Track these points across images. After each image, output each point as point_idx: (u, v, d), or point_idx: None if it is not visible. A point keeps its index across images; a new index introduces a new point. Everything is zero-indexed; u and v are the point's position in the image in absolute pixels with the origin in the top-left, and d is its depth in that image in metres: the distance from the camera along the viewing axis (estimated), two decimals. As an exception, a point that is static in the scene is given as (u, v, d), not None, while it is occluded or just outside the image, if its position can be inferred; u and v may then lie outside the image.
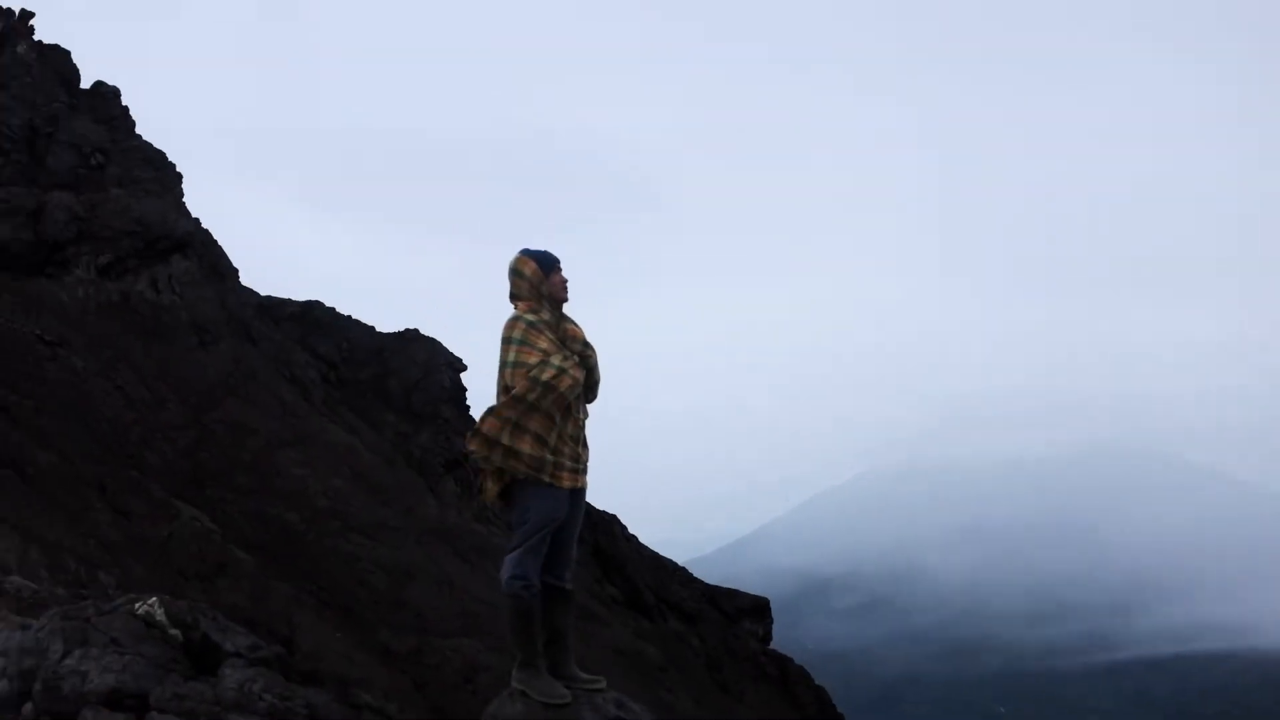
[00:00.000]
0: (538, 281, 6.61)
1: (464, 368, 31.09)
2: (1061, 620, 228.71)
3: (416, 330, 31.49)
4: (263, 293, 30.97)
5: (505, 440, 6.30)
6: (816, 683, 29.26)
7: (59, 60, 30.01)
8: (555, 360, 6.35)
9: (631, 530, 30.62)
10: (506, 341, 6.46)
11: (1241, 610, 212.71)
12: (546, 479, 6.34)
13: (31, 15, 29.95)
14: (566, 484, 6.44)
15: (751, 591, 32.58)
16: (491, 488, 6.51)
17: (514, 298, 6.68)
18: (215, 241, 28.88)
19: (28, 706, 5.56)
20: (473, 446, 6.40)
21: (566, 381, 6.35)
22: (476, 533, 25.52)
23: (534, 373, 6.30)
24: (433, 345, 30.99)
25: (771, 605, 31.95)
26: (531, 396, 6.27)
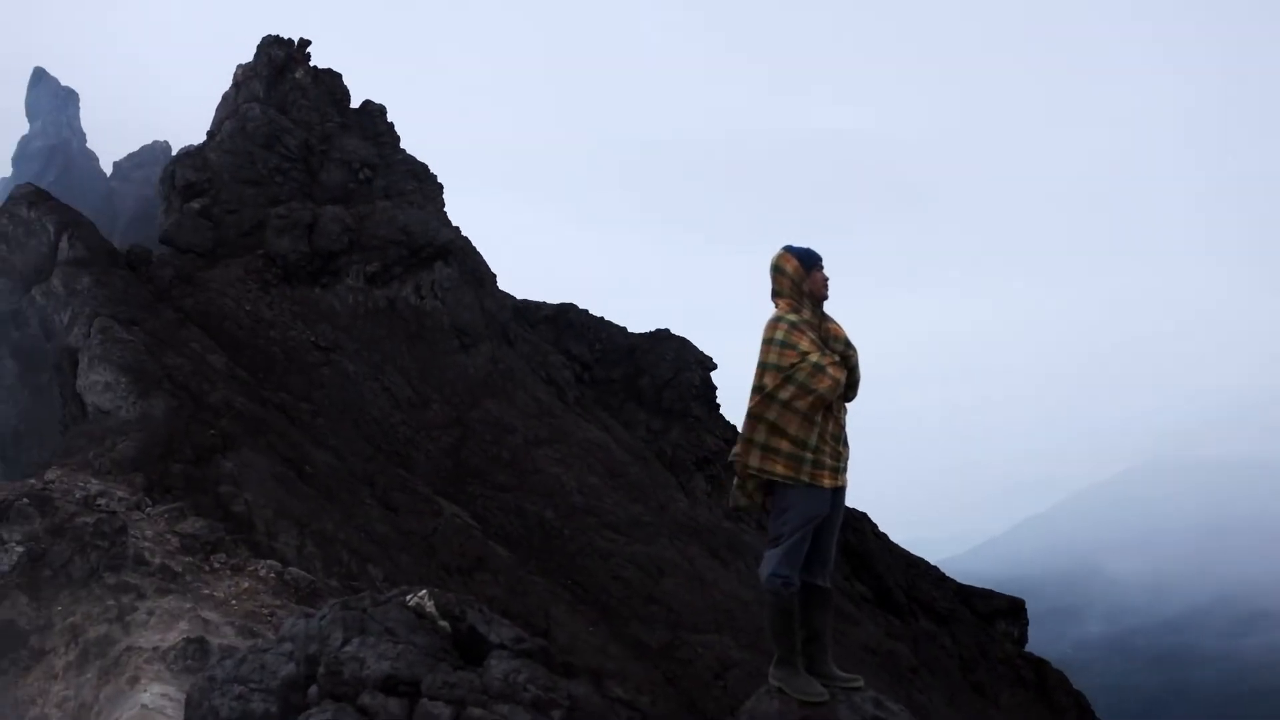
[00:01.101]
0: (799, 279, 6.55)
1: (714, 366, 31.28)
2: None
3: (668, 330, 31.88)
4: (519, 297, 31.94)
5: (761, 440, 6.29)
6: (1075, 688, 28.24)
7: (332, 82, 31.76)
8: (814, 358, 6.28)
9: (882, 529, 30.25)
10: (768, 342, 6.40)
11: None
12: (806, 479, 6.30)
13: (309, 43, 31.76)
14: (827, 483, 6.38)
15: (1005, 591, 31.71)
16: (750, 491, 6.51)
17: (775, 295, 6.61)
18: (474, 249, 29.93)
19: (313, 689, 5.91)
20: (742, 457, 6.41)
21: (826, 382, 6.28)
22: (727, 530, 25.64)
23: (792, 373, 6.26)
24: (683, 344, 31.30)
25: (1027, 606, 31.04)
26: (785, 396, 6.23)
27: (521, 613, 18.95)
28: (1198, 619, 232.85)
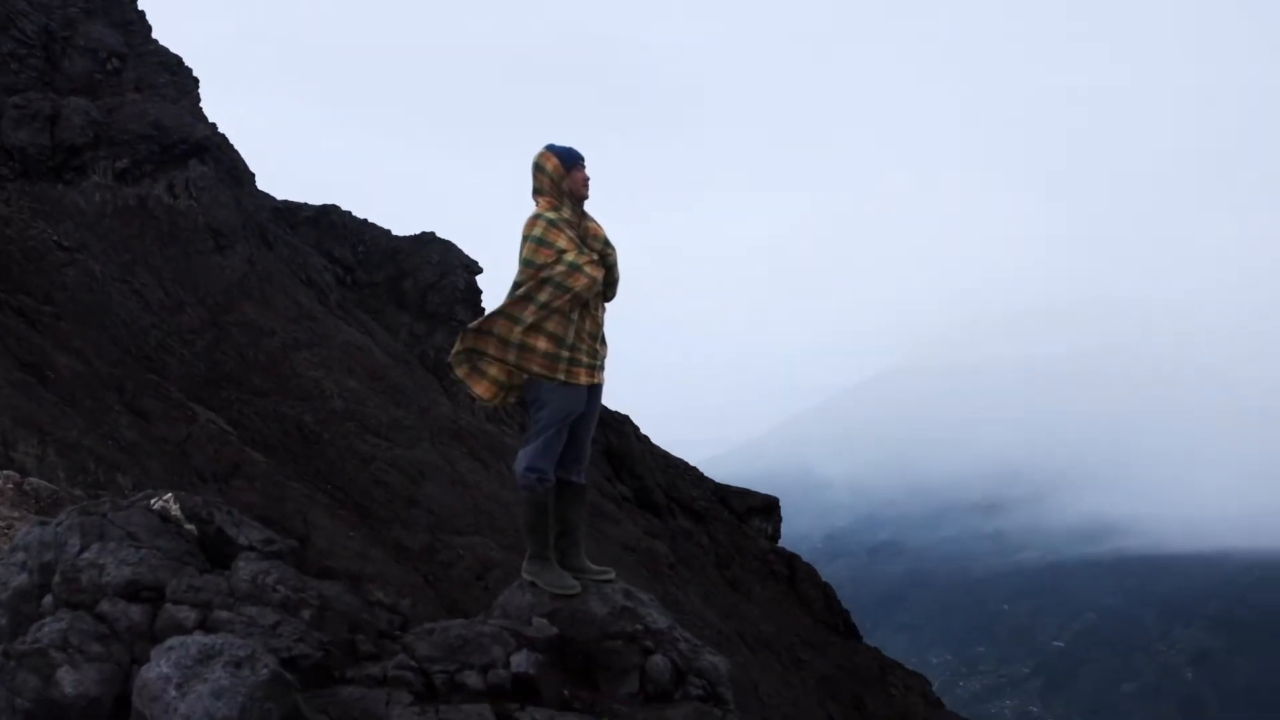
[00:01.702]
0: (559, 177, 6.57)
1: (479, 270, 31.04)
2: (1058, 513, 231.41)
3: (433, 233, 31.43)
4: (280, 198, 30.91)
5: (518, 339, 6.32)
6: (823, 580, 29.63)
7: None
8: (570, 258, 6.33)
9: (645, 431, 30.85)
10: (525, 239, 6.42)
11: (1243, 514, 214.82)
12: (562, 376, 6.37)
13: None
14: (584, 380, 6.48)
15: (760, 490, 32.90)
16: (489, 387, 6.54)
17: (536, 193, 6.63)
18: (232, 146, 28.74)
19: (47, 599, 5.69)
20: (484, 346, 6.42)
21: (583, 280, 6.34)
22: (489, 433, 25.70)
23: (548, 271, 6.30)
24: (448, 248, 30.93)
25: (781, 504, 32.32)
26: (543, 295, 6.28)
27: (280, 518, 18.62)
28: (942, 515, 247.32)
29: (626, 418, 29.46)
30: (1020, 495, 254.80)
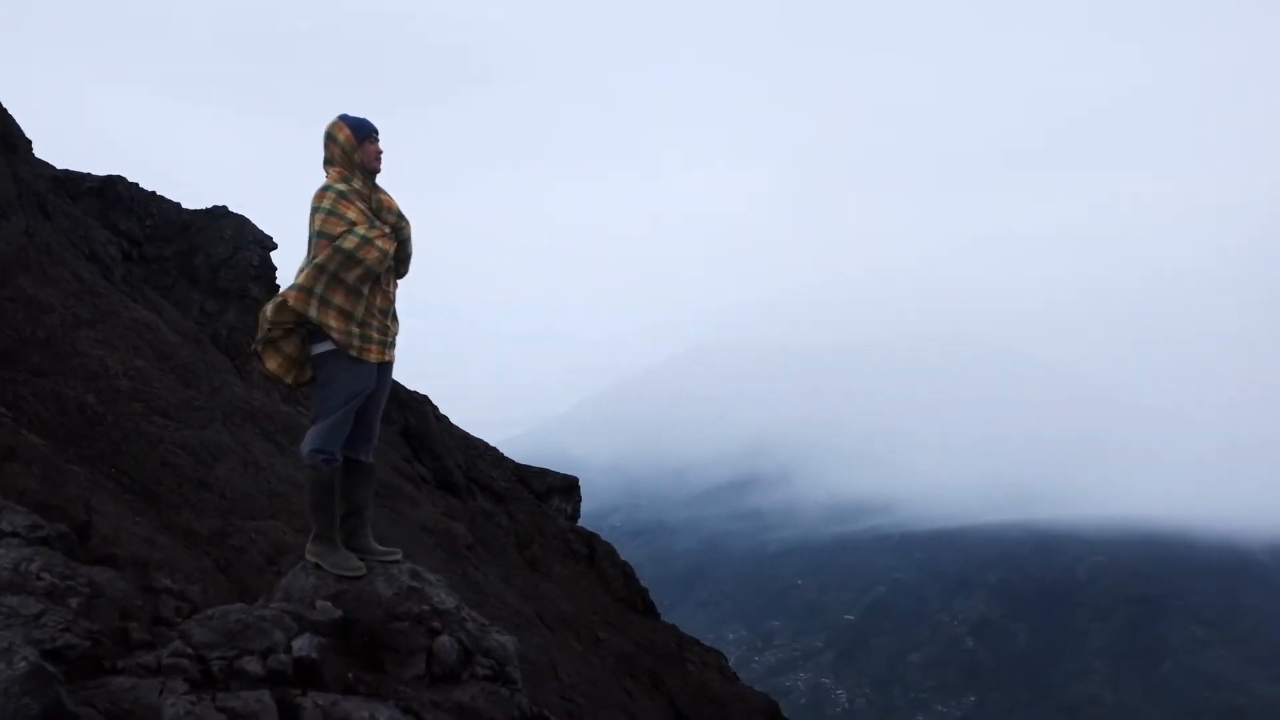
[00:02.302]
0: (351, 149, 6.47)
1: (274, 246, 30.18)
2: (851, 497, 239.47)
3: (225, 207, 30.37)
4: (60, 166, 29.42)
5: (312, 314, 6.19)
6: (622, 559, 29.90)
7: None
8: (360, 230, 6.23)
9: (444, 411, 30.56)
10: (315, 211, 6.31)
11: (1019, 491, 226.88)
12: (354, 353, 6.27)
13: None
14: (374, 357, 6.39)
15: (562, 471, 32.97)
16: (283, 363, 6.40)
17: (327, 164, 6.52)
18: (6, 111, 27.21)
19: None
20: (282, 319, 6.27)
21: (374, 254, 6.26)
22: (284, 414, 25.05)
23: (338, 243, 6.18)
24: (241, 222, 29.95)
25: (580, 484, 32.46)
26: (332, 267, 6.16)
27: (59, 504, 17.77)
28: (742, 496, 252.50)
29: (425, 398, 29.15)
30: (771, 473, 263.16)
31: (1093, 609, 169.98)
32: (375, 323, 6.41)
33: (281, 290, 6.41)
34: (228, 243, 29.30)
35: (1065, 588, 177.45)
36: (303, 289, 6.21)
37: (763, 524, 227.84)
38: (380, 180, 6.63)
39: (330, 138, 6.51)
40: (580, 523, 32.18)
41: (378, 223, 6.38)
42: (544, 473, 32.31)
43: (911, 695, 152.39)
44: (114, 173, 29.82)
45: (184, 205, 30.15)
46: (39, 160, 28.36)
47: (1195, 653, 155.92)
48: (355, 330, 6.27)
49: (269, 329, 6.32)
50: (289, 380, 6.44)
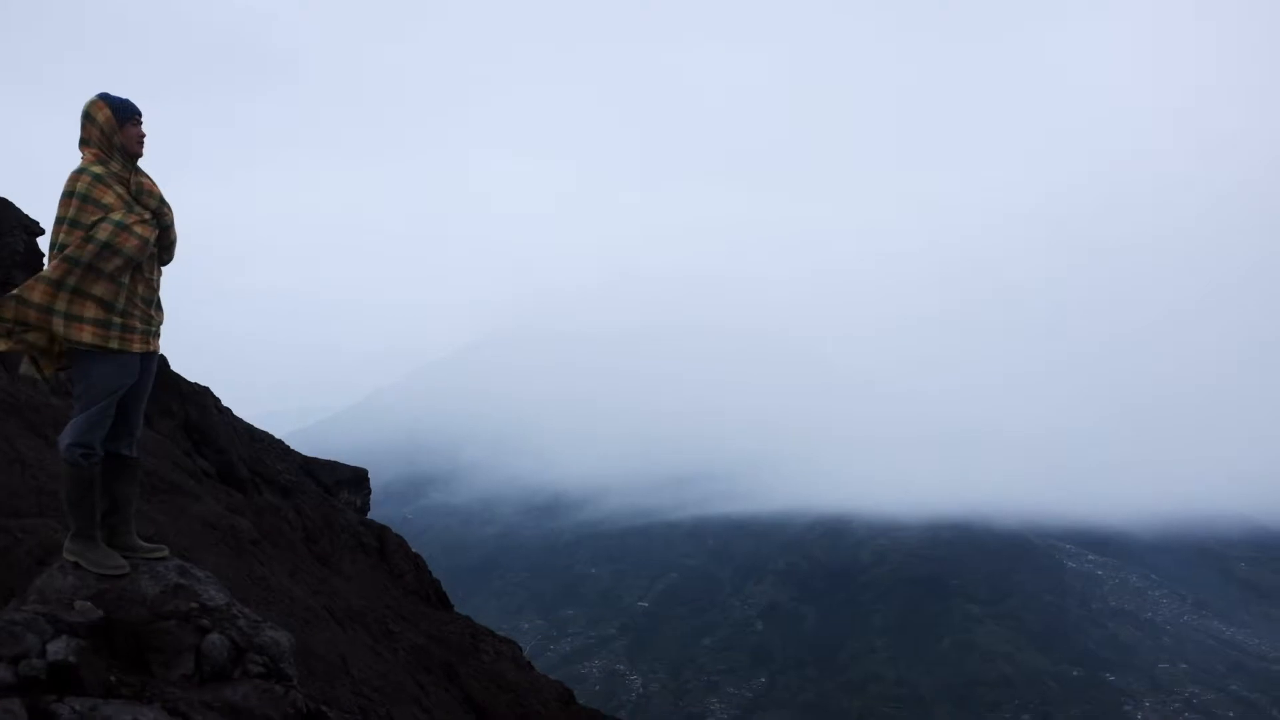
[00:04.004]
0: (110, 130, 6.11)
1: (41, 231, 28.68)
2: (646, 484, 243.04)
3: (-18, 190, 28.81)
4: None
5: (63, 308, 5.82)
6: (413, 550, 29.54)
7: None
8: (118, 217, 5.90)
9: (228, 404, 29.60)
10: (68, 196, 5.91)
11: (810, 480, 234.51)
12: (115, 345, 5.94)
13: None
14: (138, 347, 6.07)
15: (349, 463, 32.38)
16: (41, 363, 6.04)
17: (83, 144, 6.14)
18: None
19: None
20: (25, 316, 5.86)
21: (133, 242, 5.93)
22: (54, 407, 23.85)
23: (93, 232, 5.84)
24: (3, 206, 28.40)
25: (370, 476, 31.94)
26: (86, 258, 5.81)
27: None
28: (529, 486, 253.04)
29: (206, 389, 28.14)
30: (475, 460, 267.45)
31: (876, 590, 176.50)
32: (138, 312, 6.07)
33: (26, 281, 6.00)
34: (-11, 228, 27.77)
35: (850, 571, 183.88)
36: (52, 282, 5.83)
37: (556, 514, 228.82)
38: (142, 164, 6.31)
39: (88, 118, 6.13)
40: (370, 515, 31.65)
41: (137, 208, 6.04)
42: (332, 465, 31.66)
43: (704, 678, 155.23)
44: None
45: (-64, 189, 28.45)
46: None
47: (970, 629, 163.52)
48: (116, 320, 5.93)
49: (10, 328, 5.90)
50: (43, 376, 6.04)
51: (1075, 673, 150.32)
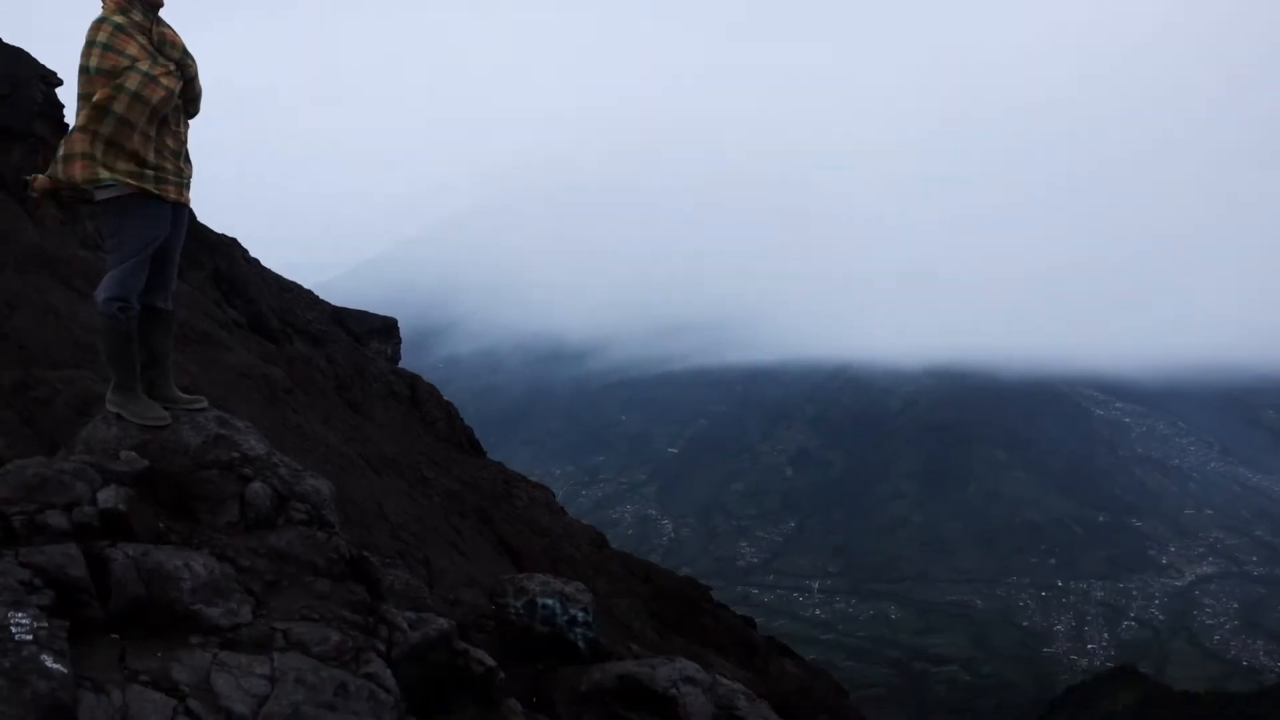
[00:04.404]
0: None
1: (59, 81, 28.41)
2: (669, 334, 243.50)
3: (-1, 40, 28.43)
4: None
5: (100, 157, 5.80)
6: (445, 398, 29.84)
7: None
8: (144, 67, 5.82)
9: (256, 254, 29.68)
10: (90, 45, 5.82)
11: (834, 326, 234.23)
12: (153, 191, 5.92)
13: None
14: (172, 197, 6.06)
15: (378, 312, 32.56)
16: (69, 202, 6.04)
17: None
18: None
19: None
20: (79, 175, 5.83)
21: (160, 92, 5.85)
22: (83, 259, 23.98)
23: (121, 81, 5.77)
24: (19, 56, 28.06)
25: (400, 325, 32.13)
26: (118, 108, 5.75)
27: None
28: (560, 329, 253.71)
29: (234, 240, 28.19)
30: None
31: (903, 437, 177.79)
32: (169, 164, 6.03)
33: (65, 135, 5.95)
34: (6, 79, 27.44)
35: (877, 418, 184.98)
36: (88, 131, 5.80)
37: (584, 362, 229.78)
38: (163, 14, 6.20)
39: None
40: (401, 364, 31.94)
41: (160, 59, 5.97)
42: (362, 315, 31.86)
43: (734, 523, 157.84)
44: None
45: (-49, 39, 28.10)
46: None
47: (996, 475, 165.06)
48: (149, 173, 5.91)
49: (61, 187, 5.89)
50: (43, 204, 6.00)
51: (1101, 518, 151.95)
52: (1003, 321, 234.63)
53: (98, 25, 5.86)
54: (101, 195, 5.86)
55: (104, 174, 5.78)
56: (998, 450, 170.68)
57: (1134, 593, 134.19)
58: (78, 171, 5.80)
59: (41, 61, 27.77)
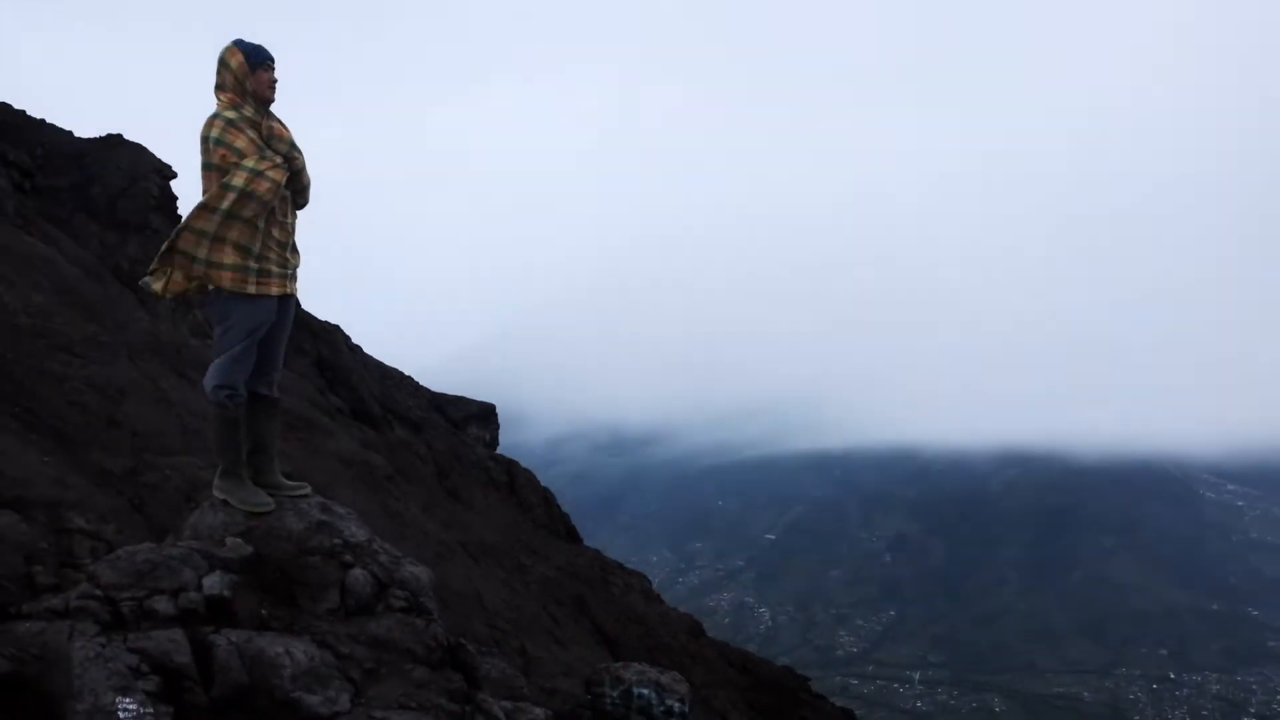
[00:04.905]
0: (243, 76, 6.25)
1: (174, 175, 29.41)
2: (768, 416, 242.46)
3: (120, 135, 29.53)
4: (-59, 95, 28.34)
5: (204, 254, 5.99)
6: (543, 485, 29.94)
7: None
8: (250, 163, 6.03)
9: (356, 341, 30.23)
10: (204, 140, 6.09)
11: (933, 409, 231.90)
12: (253, 289, 6.10)
13: None
14: (275, 291, 6.22)
15: (477, 398, 32.86)
16: (177, 283, 6.20)
17: (218, 89, 6.29)
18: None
19: None
20: (176, 270, 6.05)
21: (265, 185, 6.05)
22: (193, 347, 24.61)
23: (227, 178, 5.99)
24: (138, 151, 29.13)
25: (498, 411, 32.38)
26: (225, 204, 5.97)
27: (-39, 447, 17.40)
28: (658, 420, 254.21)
29: (337, 327, 28.76)
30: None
31: (1006, 522, 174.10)
32: (274, 256, 6.22)
33: (174, 231, 6.18)
34: (125, 172, 28.45)
35: (979, 503, 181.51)
36: (194, 230, 6.02)
37: (682, 446, 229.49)
38: (275, 109, 6.44)
39: (223, 63, 6.28)
40: (499, 450, 32.14)
41: (269, 153, 6.16)
42: (461, 400, 32.18)
43: (833, 611, 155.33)
44: None
45: (77, 133, 29.22)
46: (-76, 90, 27.48)
47: (1103, 562, 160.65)
48: (253, 266, 6.09)
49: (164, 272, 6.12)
50: (165, 296, 6.18)
51: (1214, 607, 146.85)
52: (1107, 403, 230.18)
53: (210, 121, 6.12)
54: (212, 285, 6.07)
55: (201, 272, 5.99)
56: (1104, 536, 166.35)
57: (1253, 686, 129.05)
58: (179, 268, 6.03)
59: (159, 156, 28.82)
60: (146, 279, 6.20)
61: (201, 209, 5.99)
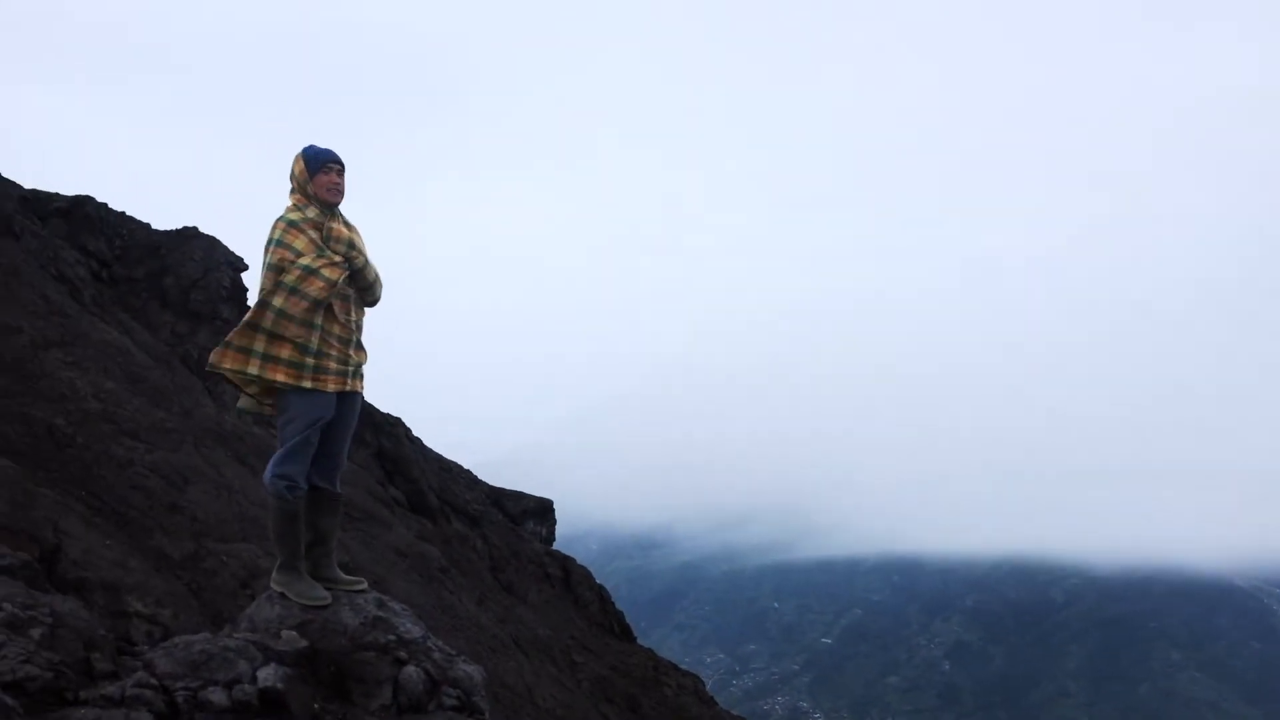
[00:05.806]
0: (304, 180, 6.46)
1: (245, 267, 30.07)
2: (807, 517, 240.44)
3: (195, 228, 30.28)
4: (28, 186, 29.21)
5: (260, 350, 6.15)
6: (598, 582, 29.81)
7: None
8: (305, 261, 6.19)
9: (418, 433, 30.46)
10: (267, 242, 6.32)
11: (994, 515, 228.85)
12: (308, 385, 6.21)
13: None
14: (333, 387, 6.32)
15: (534, 494, 32.91)
16: (255, 394, 6.38)
17: (290, 193, 6.55)
18: (-30, 130, 27.06)
19: None
20: (226, 364, 6.25)
21: (318, 283, 6.20)
22: (256, 436, 24.92)
23: (283, 277, 6.16)
24: (212, 243, 29.84)
25: (555, 507, 32.40)
26: (277, 301, 6.13)
27: (27, 528, 17.58)
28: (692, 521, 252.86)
29: (398, 420, 29.03)
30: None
31: (1069, 632, 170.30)
32: (334, 353, 6.33)
33: (235, 328, 6.34)
34: (198, 264, 29.12)
35: (1041, 611, 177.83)
36: (252, 326, 6.18)
37: (739, 546, 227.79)
38: (344, 209, 6.62)
39: (291, 171, 6.55)
40: (555, 545, 32.10)
41: (326, 252, 6.35)
42: (518, 495, 32.23)
43: (889, 718, 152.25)
44: (83, 192, 29.63)
45: (154, 226, 30.00)
46: (6, 180, 28.14)
47: (1171, 675, 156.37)
48: (310, 362, 6.21)
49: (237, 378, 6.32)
50: (266, 409, 6.37)
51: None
52: (1174, 513, 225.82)
53: (275, 224, 6.34)
54: (249, 389, 6.26)
55: (252, 369, 6.14)
56: (1172, 649, 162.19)
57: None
58: (228, 361, 6.21)
59: (232, 249, 29.49)
60: (242, 400, 6.41)
61: (258, 306, 6.18)
